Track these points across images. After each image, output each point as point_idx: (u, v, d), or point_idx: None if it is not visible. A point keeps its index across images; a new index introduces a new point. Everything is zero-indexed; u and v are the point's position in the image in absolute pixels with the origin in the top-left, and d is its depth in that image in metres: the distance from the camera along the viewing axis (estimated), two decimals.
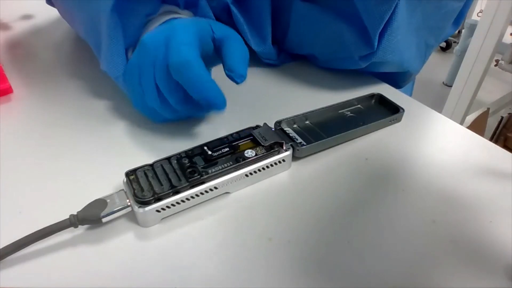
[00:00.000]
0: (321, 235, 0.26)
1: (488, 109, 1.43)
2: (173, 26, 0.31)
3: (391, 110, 0.36)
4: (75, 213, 0.24)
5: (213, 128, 0.35)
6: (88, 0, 0.32)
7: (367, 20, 0.35)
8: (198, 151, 0.29)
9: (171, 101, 0.31)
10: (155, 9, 0.34)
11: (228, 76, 0.30)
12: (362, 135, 0.35)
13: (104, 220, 0.25)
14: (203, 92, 0.29)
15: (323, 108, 0.35)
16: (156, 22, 0.34)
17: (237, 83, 0.30)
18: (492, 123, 1.43)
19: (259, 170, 0.29)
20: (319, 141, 0.31)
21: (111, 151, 0.32)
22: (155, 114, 0.33)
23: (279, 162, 0.29)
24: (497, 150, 0.33)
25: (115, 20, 0.31)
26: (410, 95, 0.57)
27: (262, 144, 0.29)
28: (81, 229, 0.25)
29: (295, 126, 0.34)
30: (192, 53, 0.29)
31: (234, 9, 0.41)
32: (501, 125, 1.37)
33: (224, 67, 0.31)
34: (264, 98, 0.34)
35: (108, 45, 0.33)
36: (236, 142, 0.30)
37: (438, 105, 1.58)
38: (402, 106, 0.36)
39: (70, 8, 0.38)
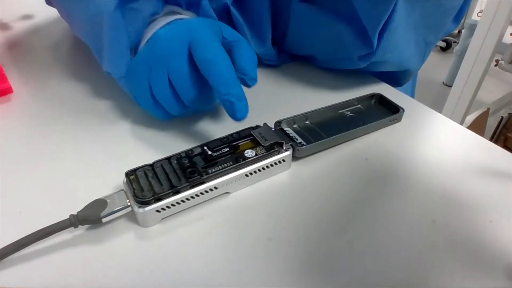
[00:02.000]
0: (321, 235, 0.26)
1: (488, 109, 1.43)
2: (189, 24, 0.31)
3: (391, 110, 0.36)
4: (75, 213, 0.24)
5: (213, 128, 0.35)
6: (90, 1, 0.32)
7: (365, 20, 0.35)
8: (198, 151, 0.29)
9: (185, 96, 0.31)
10: (159, 9, 0.34)
11: (240, 79, 0.31)
12: (362, 135, 0.35)
13: (104, 220, 0.25)
14: (232, 87, 0.29)
15: (323, 108, 0.35)
16: (160, 22, 0.34)
17: (248, 86, 0.31)
18: (492, 123, 1.43)
19: (259, 170, 0.29)
20: (319, 141, 0.31)
21: (111, 151, 0.32)
22: (161, 111, 0.33)
23: (279, 162, 0.29)
24: (497, 150, 0.33)
25: (118, 20, 0.31)
26: (412, 95, 0.57)
27: (262, 144, 0.29)
28: (81, 229, 0.25)
29: (295, 126, 0.34)
30: (222, 49, 0.30)
31: (234, 11, 0.41)
32: (501, 125, 1.37)
33: (236, 71, 0.31)
34: (264, 98, 0.34)
35: (111, 45, 0.32)
36: (236, 142, 0.30)
37: (438, 105, 1.58)
38: (402, 106, 0.36)
39: (69, 10, 0.38)
